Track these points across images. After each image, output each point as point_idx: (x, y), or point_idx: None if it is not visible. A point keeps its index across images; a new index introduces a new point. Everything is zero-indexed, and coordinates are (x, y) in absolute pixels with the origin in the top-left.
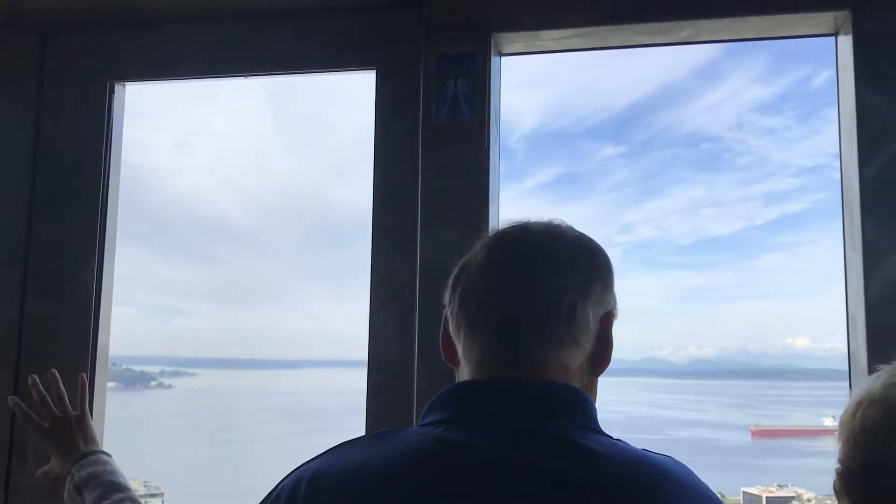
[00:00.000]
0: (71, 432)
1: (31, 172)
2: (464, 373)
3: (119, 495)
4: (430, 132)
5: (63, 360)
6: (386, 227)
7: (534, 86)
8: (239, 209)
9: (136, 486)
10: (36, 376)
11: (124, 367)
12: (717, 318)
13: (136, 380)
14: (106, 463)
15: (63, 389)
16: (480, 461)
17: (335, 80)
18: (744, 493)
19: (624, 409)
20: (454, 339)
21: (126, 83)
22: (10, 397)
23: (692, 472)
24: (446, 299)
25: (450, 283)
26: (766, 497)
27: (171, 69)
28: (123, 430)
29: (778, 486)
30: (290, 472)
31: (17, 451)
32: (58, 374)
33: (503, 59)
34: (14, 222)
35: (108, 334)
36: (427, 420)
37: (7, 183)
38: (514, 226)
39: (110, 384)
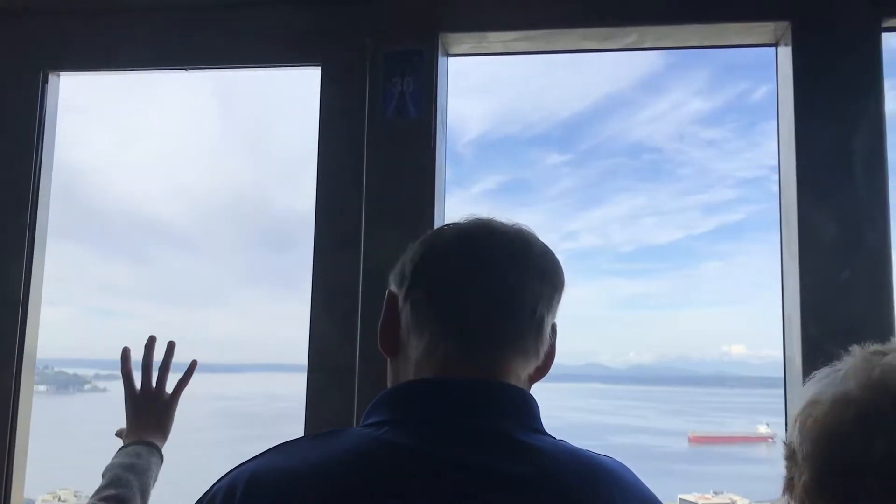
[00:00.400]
0: (153, 411)
1: None
2: (407, 367)
3: (110, 492)
4: (375, 131)
5: None
6: (329, 227)
7: (481, 92)
8: (180, 209)
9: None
10: (156, 338)
11: (56, 369)
12: (657, 325)
13: (68, 383)
14: (137, 455)
15: (170, 364)
16: (423, 463)
17: (283, 78)
18: (681, 499)
19: (564, 414)
20: (403, 330)
21: (61, 73)
22: (124, 347)
23: (632, 472)
24: (398, 287)
25: (406, 272)
26: (701, 503)
27: (109, 60)
28: (55, 436)
29: (714, 492)
30: (226, 472)
31: None
32: (174, 347)
33: (451, 59)
34: None
35: (36, 336)
36: (370, 421)
37: None
38: (476, 222)
39: (41, 388)
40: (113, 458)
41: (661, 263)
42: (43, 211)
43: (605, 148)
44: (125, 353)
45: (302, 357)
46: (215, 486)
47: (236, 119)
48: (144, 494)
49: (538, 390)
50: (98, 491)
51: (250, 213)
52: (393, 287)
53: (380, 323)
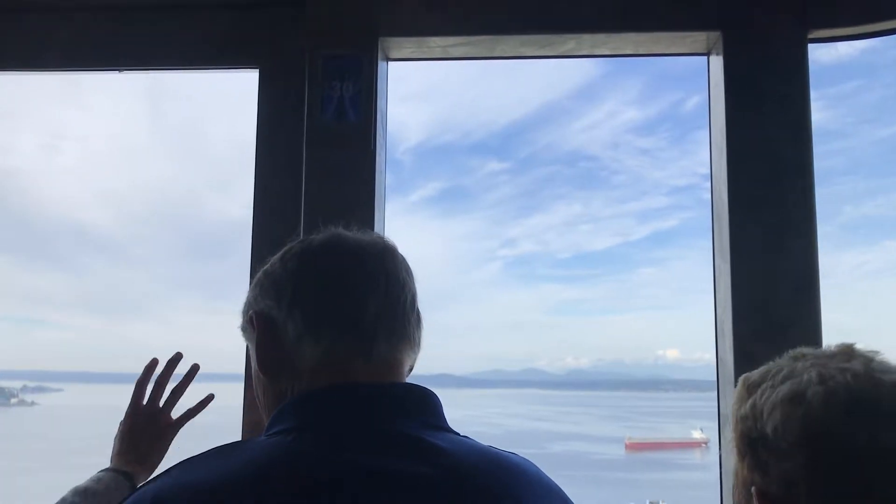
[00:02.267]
0: (147, 433)
1: None
2: (296, 379)
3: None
4: (314, 135)
5: None
6: (267, 233)
7: (420, 99)
8: (108, 216)
9: None
10: (182, 355)
11: None
12: (594, 329)
13: None
14: (97, 480)
15: (185, 388)
16: (331, 469)
17: (217, 82)
18: None
19: (503, 421)
20: (288, 344)
21: None
22: (153, 358)
23: (539, 468)
24: (275, 303)
25: (284, 285)
26: None
27: (37, 60)
28: None
29: (650, 502)
30: (125, 497)
31: None
32: (196, 371)
33: (390, 64)
34: None
35: None
36: (275, 430)
37: None
38: (333, 232)
39: None
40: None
41: (597, 269)
42: None
43: (542, 156)
44: (151, 365)
45: (237, 366)
46: None
47: (166, 122)
48: None
49: (481, 397)
50: None
51: (181, 219)
52: (262, 306)
53: (258, 345)
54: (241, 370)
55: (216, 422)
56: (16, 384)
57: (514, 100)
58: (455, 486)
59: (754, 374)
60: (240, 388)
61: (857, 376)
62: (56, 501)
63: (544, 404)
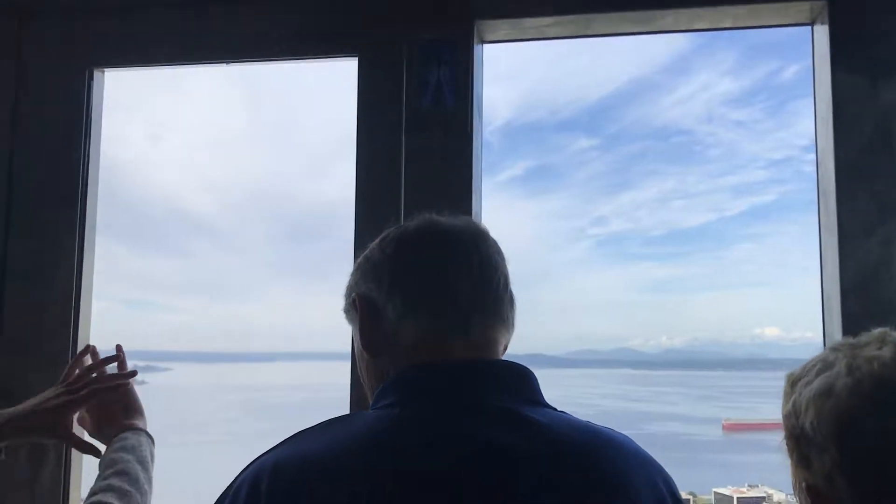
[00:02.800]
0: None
1: (9, 160)
2: (397, 357)
3: (109, 471)
4: (413, 120)
5: (43, 352)
6: (369, 217)
7: (507, 78)
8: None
9: None
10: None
11: None
12: (688, 308)
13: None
14: (123, 438)
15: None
16: (433, 439)
17: (310, 69)
18: (715, 493)
19: (596, 402)
20: (389, 325)
21: (105, 70)
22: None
23: (636, 444)
24: (376, 287)
25: (384, 271)
26: (737, 497)
27: (150, 55)
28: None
29: (749, 486)
30: (247, 464)
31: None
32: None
33: (485, 46)
34: None
35: (89, 328)
36: (379, 404)
37: None
38: (427, 217)
39: None
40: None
41: (691, 246)
42: (91, 206)
43: (633, 131)
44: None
45: (332, 346)
46: (240, 478)
47: (263, 110)
48: (144, 464)
49: (572, 377)
50: (97, 478)
51: (280, 204)
52: (363, 289)
53: (361, 326)
54: (337, 349)
55: (315, 398)
56: (127, 364)
57: (603, 75)
58: (552, 459)
59: (796, 370)
60: (335, 365)
61: (884, 365)
62: (104, 466)
63: (638, 384)
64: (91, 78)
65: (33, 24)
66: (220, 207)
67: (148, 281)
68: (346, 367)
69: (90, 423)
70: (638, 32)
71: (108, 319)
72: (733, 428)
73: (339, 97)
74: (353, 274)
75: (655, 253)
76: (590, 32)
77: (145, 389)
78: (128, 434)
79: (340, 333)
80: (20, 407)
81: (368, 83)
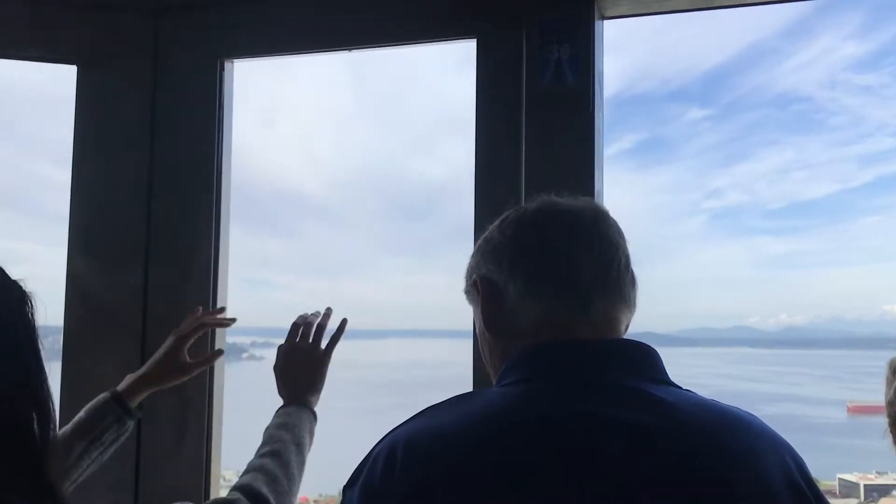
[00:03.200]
0: (306, 365)
1: (150, 150)
2: (519, 337)
3: (265, 449)
4: (533, 100)
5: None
6: (489, 197)
7: (615, 48)
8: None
9: (229, 475)
10: (332, 310)
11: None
12: (810, 284)
13: (228, 352)
14: (287, 414)
15: (325, 325)
16: (560, 416)
17: (416, 51)
18: (840, 479)
19: (712, 382)
20: (510, 304)
21: (234, 60)
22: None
23: (763, 422)
24: (496, 268)
25: (505, 252)
26: (864, 485)
27: (276, 45)
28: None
29: (877, 472)
30: (383, 436)
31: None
32: (331, 312)
33: (605, 22)
34: (135, 198)
35: (226, 305)
36: (506, 381)
37: (128, 161)
38: (546, 198)
39: None
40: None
41: (813, 219)
42: (226, 192)
43: (749, 100)
44: (305, 315)
45: (442, 323)
46: (376, 449)
47: (369, 91)
48: (300, 447)
49: (687, 356)
50: (256, 453)
51: (388, 183)
52: (484, 271)
53: (483, 307)
54: (448, 326)
55: (434, 377)
56: (246, 340)
57: (716, 42)
58: (678, 436)
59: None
60: (450, 343)
61: None
62: (263, 441)
63: (756, 364)
64: (222, 69)
65: (167, 19)
66: (329, 188)
67: (263, 260)
68: (461, 344)
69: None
70: (766, 2)
71: (232, 297)
72: (859, 410)
73: (446, 77)
74: (473, 256)
75: (775, 226)
76: (714, 4)
77: (263, 365)
78: (292, 409)
79: (449, 311)
80: (144, 366)
81: (488, 64)
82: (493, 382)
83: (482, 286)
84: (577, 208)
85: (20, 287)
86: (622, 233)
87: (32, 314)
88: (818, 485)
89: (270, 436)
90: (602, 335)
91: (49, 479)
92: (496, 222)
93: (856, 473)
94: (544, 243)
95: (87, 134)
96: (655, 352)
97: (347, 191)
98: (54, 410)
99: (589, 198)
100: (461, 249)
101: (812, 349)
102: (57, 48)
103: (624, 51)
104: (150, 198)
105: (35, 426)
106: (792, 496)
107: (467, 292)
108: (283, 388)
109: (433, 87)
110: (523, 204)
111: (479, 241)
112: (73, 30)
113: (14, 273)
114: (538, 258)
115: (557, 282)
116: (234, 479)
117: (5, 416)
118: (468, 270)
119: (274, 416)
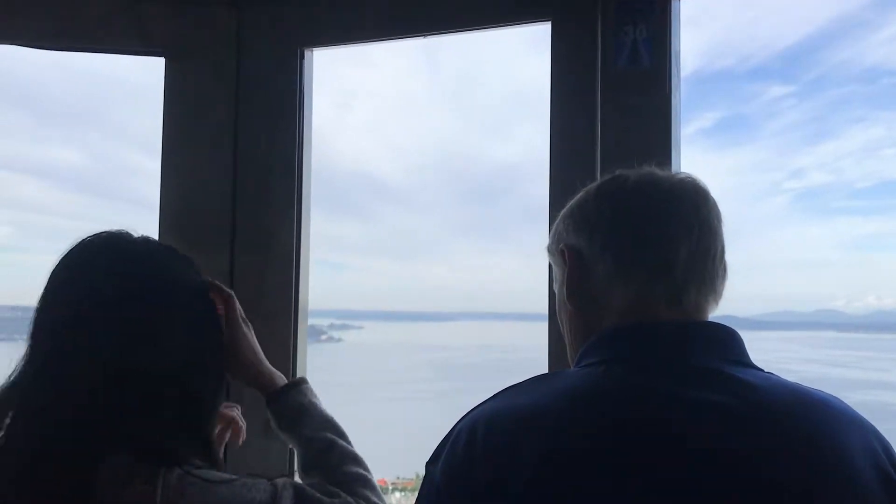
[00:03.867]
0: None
1: (234, 139)
2: (603, 315)
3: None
4: (609, 81)
5: (267, 310)
6: (564, 181)
7: (691, 24)
8: (395, 167)
9: None
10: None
11: None
12: None
13: (308, 333)
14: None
15: None
16: (644, 398)
17: (488, 35)
18: None
19: (797, 367)
20: (598, 281)
21: (314, 49)
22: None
23: (847, 405)
24: (586, 240)
25: (596, 224)
26: None
27: (352, 33)
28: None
29: None
30: (465, 414)
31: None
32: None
33: (682, 3)
34: (221, 185)
35: (307, 290)
36: (585, 362)
37: (214, 150)
38: (647, 171)
39: None
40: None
41: None
42: (307, 178)
43: (834, 76)
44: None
45: (514, 306)
46: (458, 426)
47: (443, 75)
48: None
49: (769, 340)
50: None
51: (459, 166)
52: (573, 241)
53: (568, 278)
54: (520, 309)
55: (505, 359)
56: (324, 322)
57: (799, 16)
58: (760, 418)
59: None
60: (523, 326)
61: None
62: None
63: (842, 349)
64: (302, 58)
65: (249, 11)
66: (403, 171)
67: (340, 243)
68: (535, 327)
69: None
70: None
71: (311, 279)
72: None
73: (518, 60)
74: (563, 219)
75: (862, 206)
76: None
77: (341, 347)
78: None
79: (521, 294)
80: None
81: (563, 46)
82: (570, 355)
83: (570, 257)
84: (679, 188)
85: (204, 282)
86: (720, 216)
87: (214, 305)
88: None
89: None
90: (692, 319)
91: (210, 439)
92: (592, 188)
93: None
94: (641, 225)
95: (175, 124)
96: (737, 334)
97: (422, 174)
98: (223, 386)
99: (690, 175)
100: (534, 231)
101: None
102: (145, 41)
103: (702, 28)
104: (235, 185)
105: (209, 397)
106: (880, 482)
107: (551, 253)
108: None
109: (506, 70)
110: (622, 172)
111: (572, 205)
112: (160, 23)
113: None
114: (633, 241)
115: (651, 267)
116: None
117: (190, 388)
118: (556, 234)
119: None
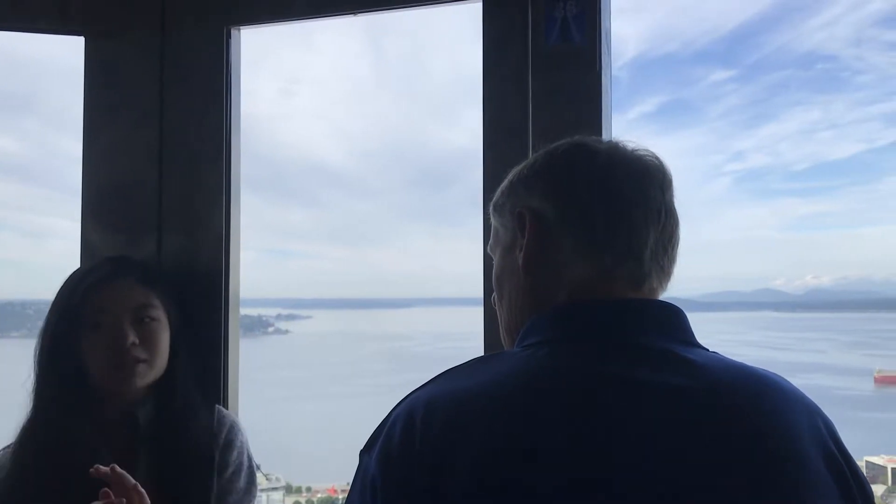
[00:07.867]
0: None
1: (160, 120)
2: (556, 286)
3: None
4: (540, 59)
5: (197, 296)
6: (497, 159)
7: (636, 10)
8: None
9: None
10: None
11: (242, 312)
12: (836, 245)
13: (254, 325)
14: None
15: None
16: (588, 380)
17: (431, 17)
18: (867, 462)
19: (736, 350)
20: (560, 251)
21: (241, 27)
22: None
23: (793, 385)
24: (551, 205)
25: (549, 194)
26: (892, 468)
27: (282, 11)
28: (247, 386)
29: None
30: (401, 400)
31: None
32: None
33: None
34: (146, 168)
35: (238, 277)
36: (528, 342)
37: (138, 131)
38: (613, 144)
39: None
40: None
41: (839, 180)
42: (235, 161)
43: (773, 60)
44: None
45: (463, 289)
46: (394, 412)
47: (388, 59)
48: None
49: (710, 321)
50: None
51: (407, 152)
52: (536, 204)
53: (528, 246)
54: (471, 294)
55: (461, 347)
56: (271, 312)
57: (739, 2)
58: (709, 398)
59: None
60: (473, 311)
61: None
62: None
63: (781, 330)
64: (229, 37)
65: None
66: (351, 157)
67: (285, 231)
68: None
69: None
70: None
71: (253, 268)
72: (886, 381)
73: (462, 43)
74: (522, 179)
75: (800, 188)
76: None
77: (289, 339)
78: None
79: (474, 279)
80: None
81: (494, 24)
82: (505, 329)
83: (532, 224)
84: (653, 169)
85: None
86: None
87: None
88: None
89: None
90: (641, 296)
91: None
92: (557, 151)
93: (883, 456)
94: (615, 205)
95: (97, 105)
96: (683, 312)
97: (371, 160)
98: None
99: (652, 152)
100: (481, 216)
101: (838, 312)
102: (64, 19)
103: (647, 13)
104: (161, 168)
105: None
106: (825, 461)
107: (499, 212)
108: None
109: (450, 53)
110: (584, 140)
111: (537, 165)
112: (79, 0)
113: (46, 249)
114: (605, 220)
115: (619, 250)
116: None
117: None
118: (511, 192)
119: None
